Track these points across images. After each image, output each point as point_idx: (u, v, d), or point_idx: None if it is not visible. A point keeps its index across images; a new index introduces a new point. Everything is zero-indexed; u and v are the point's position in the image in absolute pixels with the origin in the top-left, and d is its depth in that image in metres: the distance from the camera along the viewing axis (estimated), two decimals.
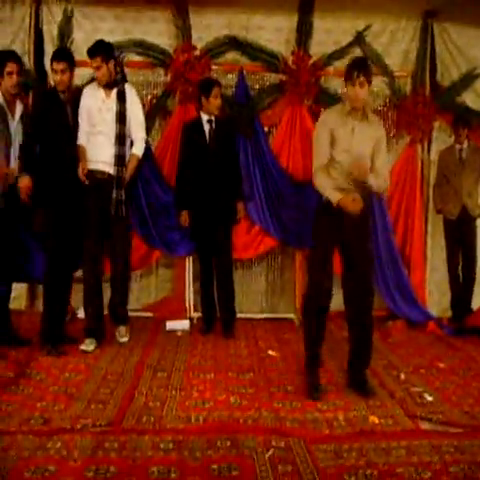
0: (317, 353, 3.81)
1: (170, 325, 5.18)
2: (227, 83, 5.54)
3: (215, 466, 2.71)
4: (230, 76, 5.62)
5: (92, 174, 4.51)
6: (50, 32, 5.40)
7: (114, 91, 4.54)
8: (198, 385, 3.80)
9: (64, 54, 4.50)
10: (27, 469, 2.61)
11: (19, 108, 4.47)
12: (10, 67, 4.27)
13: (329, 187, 3.62)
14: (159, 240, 5.41)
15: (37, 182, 4.37)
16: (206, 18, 5.53)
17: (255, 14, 5.59)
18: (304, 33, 5.53)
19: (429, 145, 5.86)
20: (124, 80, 4.77)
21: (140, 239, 5.37)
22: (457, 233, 5.62)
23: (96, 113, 4.49)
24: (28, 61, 5.35)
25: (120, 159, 4.53)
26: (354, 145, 3.61)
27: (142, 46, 5.42)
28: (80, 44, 5.26)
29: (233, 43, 5.54)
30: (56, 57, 4.38)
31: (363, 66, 3.58)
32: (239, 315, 5.27)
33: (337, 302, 3.91)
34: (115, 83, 4.55)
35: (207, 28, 5.53)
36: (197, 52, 5.40)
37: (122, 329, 4.78)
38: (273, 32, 5.64)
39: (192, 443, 2.93)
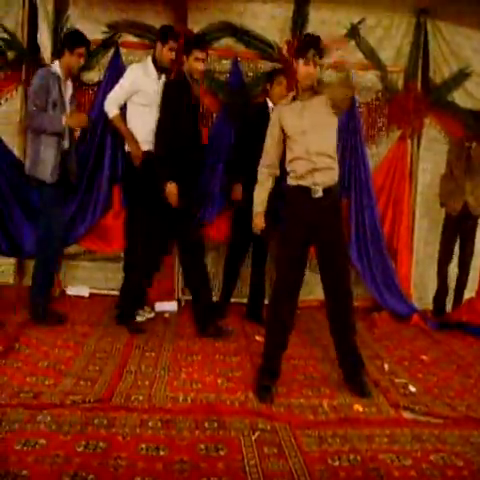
0: (279, 360, 3.66)
1: (158, 306, 5.20)
2: (221, 69, 5.54)
3: (202, 445, 2.75)
4: (224, 62, 5.58)
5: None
6: (44, 7, 5.29)
7: (163, 74, 4.76)
8: (186, 366, 3.84)
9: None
10: (17, 441, 2.63)
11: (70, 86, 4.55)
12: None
13: (259, 198, 3.72)
14: None
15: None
16: (202, 2, 5.45)
17: (251, 1, 5.56)
18: (299, 23, 5.51)
19: (419, 140, 5.89)
20: None
21: None
22: (457, 229, 5.61)
23: (152, 94, 4.62)
24: (21, 35, 5.27)
25: None
26: (306, 124, 3.51)
27: (137, 27, 5.37)
28: (74, 21, 5.22)
29: (228, 29, 5.51)
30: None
31: (318, 45, 3.48)
32: (232, 300, 5.28)
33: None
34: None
35: (203, 12, 5.47)
36: None
37: None
38: (268, 20, 5.61)
39: (180, 422, 2.97)
